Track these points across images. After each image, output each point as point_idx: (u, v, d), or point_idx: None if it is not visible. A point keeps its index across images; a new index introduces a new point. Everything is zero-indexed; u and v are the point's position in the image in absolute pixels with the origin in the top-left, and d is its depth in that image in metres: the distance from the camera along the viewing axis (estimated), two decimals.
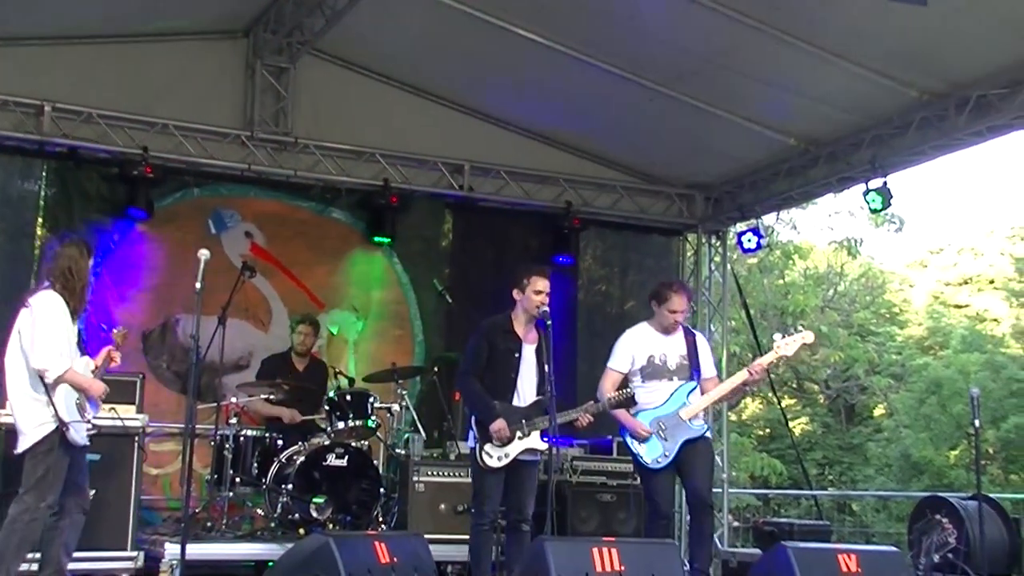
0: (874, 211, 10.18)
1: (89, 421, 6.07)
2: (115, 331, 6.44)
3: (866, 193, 9.82)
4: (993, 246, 26.10)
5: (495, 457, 6.67)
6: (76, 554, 6.27)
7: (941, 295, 26.37)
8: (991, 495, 9.17)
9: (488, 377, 6.81)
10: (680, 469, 6.98)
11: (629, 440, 6.95)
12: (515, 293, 6.86)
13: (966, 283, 26.28)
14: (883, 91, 9.07)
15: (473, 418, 6.78)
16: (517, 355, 6.80)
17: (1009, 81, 8.49)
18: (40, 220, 9.57)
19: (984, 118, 8.79)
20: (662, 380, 7.03)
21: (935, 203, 38.84)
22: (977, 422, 7.56)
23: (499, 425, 6.63)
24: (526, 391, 6.82)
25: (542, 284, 6.77)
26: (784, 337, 7.13)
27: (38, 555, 6.13)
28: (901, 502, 19.13)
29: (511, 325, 6.87)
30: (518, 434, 6.69)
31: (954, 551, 8.21)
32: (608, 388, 7.03)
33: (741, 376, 7.10)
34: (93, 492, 6.49)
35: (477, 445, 6.71)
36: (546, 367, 6.66)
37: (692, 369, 7.09)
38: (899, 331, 25.58)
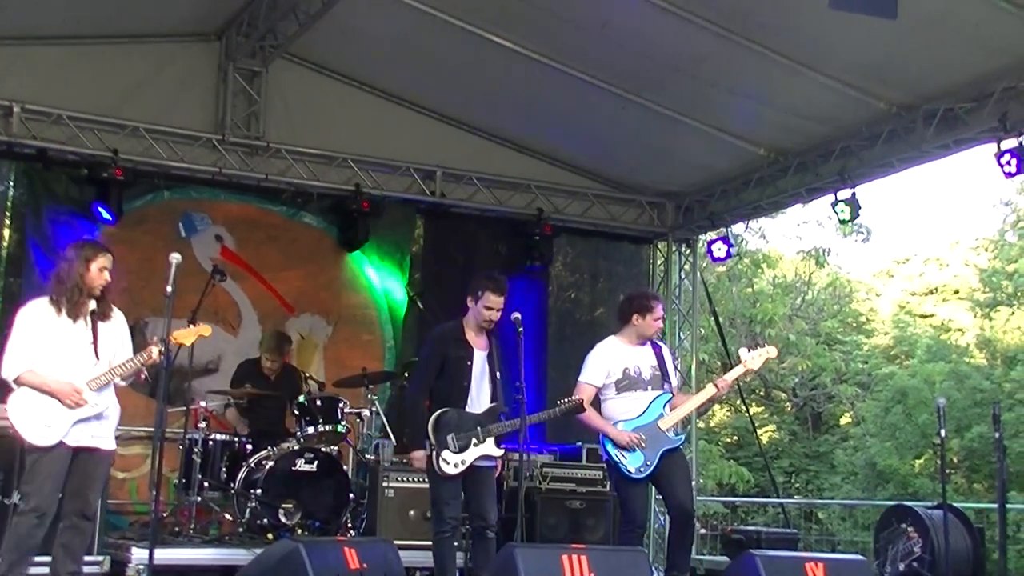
0: (843, 222, 10.27)
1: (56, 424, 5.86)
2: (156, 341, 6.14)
3: (835, 204, 9.92)
4: (958, 257, 26.34)
5: (451, 464, 6.66)
6: (39, 559, 6.13)
7: (907, 305, 26.59)
8: (955, 504, 9.26)
9: (441, 385, 6.80)
10: (660, 479, 7.02)
11: (612, 449, 6.96)
12: (469, 300, 6.88)
13: (931, 293, 26.50)
14: (852, 103, 9.17)
15: (429, 425, 6.77)
16: (469, 363, 6.80)
17: (976, 95, 8.60)
18: (8, 221, 9.52)
19: (951, 131, 8.91)
20: (637, 391, 7.06)
21: (902, 214, 39.25)
22: (943, 432, 7.63)
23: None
24: (480, 398, 6.83)
25: (494, 300, 6.76)
26: (749, 351, 7.26)
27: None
28: (867, 510, 19.23)
29: (462, 332, 6.88)
30: (473, 440, 6.70)
31: (919, 560, 8.28)
32: (585, 402, 7.05)
33: (709, 391, 7.21)
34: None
35: (433, 452, 6.70)
36: (497, 373, 6.77)
37: (663, 380, 7.15)
38: (866, 340, 25.77)
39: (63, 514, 5.97)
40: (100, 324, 6.10)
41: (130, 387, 9.30)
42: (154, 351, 6.06)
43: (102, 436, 6.05)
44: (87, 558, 7.06)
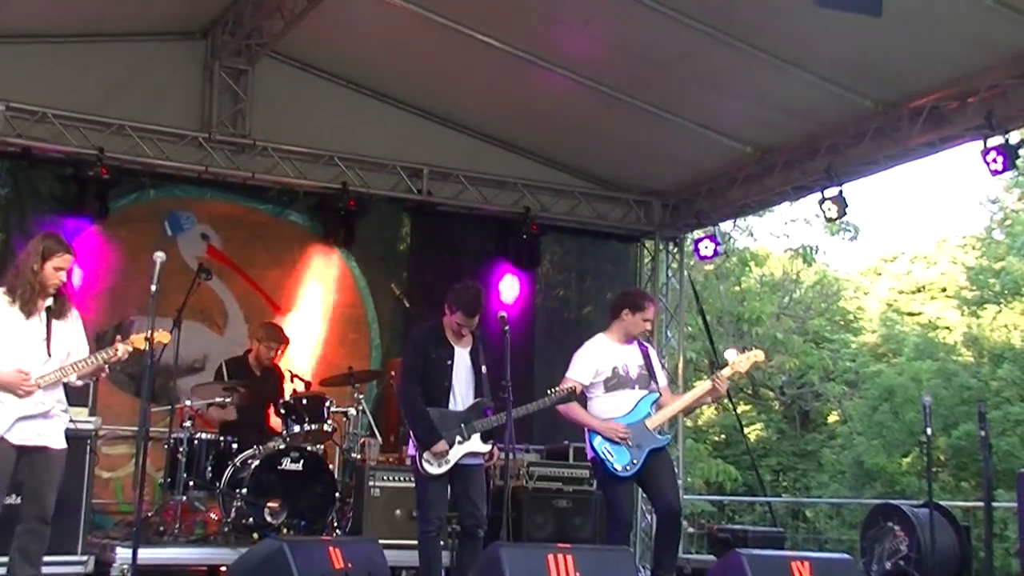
0: (829, 220, 10.28)
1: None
2: (134, 337, 5.99)
3: (822, 201, 9.92)
4: (945, 254, 26.42)
5: (436, 464, 6.66)
6: None
7: (894, 303, 26.65)
8: (942, 502, 9.26)
9: (422, 386, 6.79)
10: (646, 479, 6.99)
11: (599, 446, 6.93)
12: (446, 307, 6.88)
13: (919, 291, 26.57)
14: (838, 101, 9.19)
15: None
16: (449, 362, 6.81)
17: (961, 93, 8.63)
18: None
19: (937, 129, 8.93)
20: (625, 390, 7.03)
21: (889, 211, 39.37)
22: (929, 430, 7.63)
23: (441, 447, 6.64)
24: (462, 395, 6.83)
25: (464, 320, 6.78)
26: (737, 354, 7.26)
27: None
28: (854, 509, 19.31)
29: (442, 332, 6.89)
30: (458, 438, 6.70)
31: (906, 558, 8.29)
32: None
33: (706, 386, 7.17)
34: None
35: (417, 452, 6.69)
36: (483, 368, 6.79)
37: (651, 379, 7.13)
38: (853, 338, 25.83)
39: (23, 518, 5.80)
40: (55, 322, 5.91)
41: (115, 386, 9.46)
42: (120, 348, 5.89)
43: (50, 435, 5.84)
44: (70, 558, 7.09)
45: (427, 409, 6.70)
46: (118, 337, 6.04)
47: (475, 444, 6.74)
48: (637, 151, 11.10)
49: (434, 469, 6.63)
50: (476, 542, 6.71)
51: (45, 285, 5.85)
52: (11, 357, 5.77)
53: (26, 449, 5.77)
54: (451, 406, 6.78)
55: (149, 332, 6.01)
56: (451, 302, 6.83)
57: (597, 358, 7.11)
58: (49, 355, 5.87)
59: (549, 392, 6.87)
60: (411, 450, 6.81)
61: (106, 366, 6.02)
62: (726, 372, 7.21)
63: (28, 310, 5.84)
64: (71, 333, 6.02)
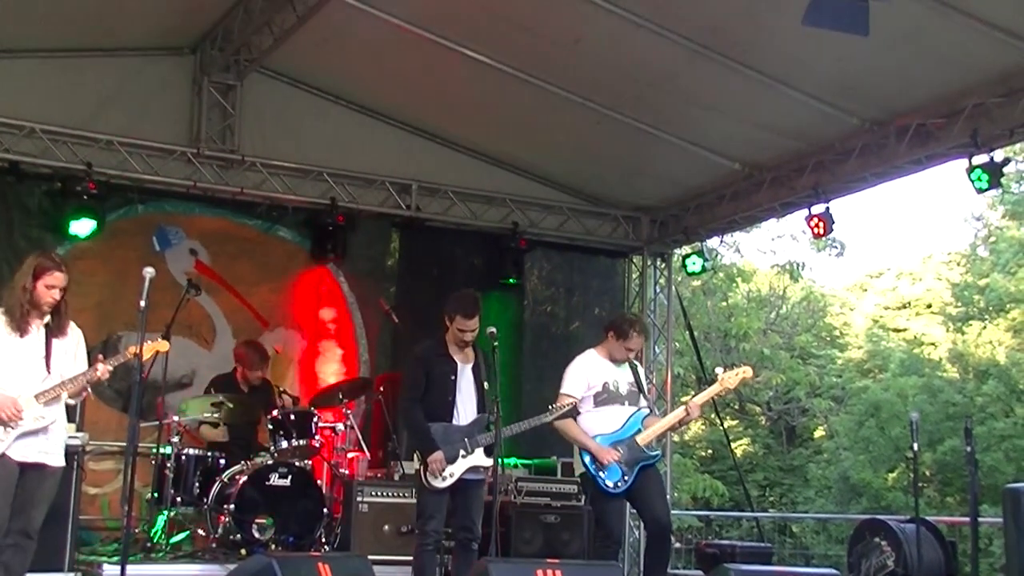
0: (817, 236, 10.32)
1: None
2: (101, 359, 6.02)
3: (809, 218, 9.96)
4: (930, 271, 26.54)
5: (440, 477, 6.67)
6: None
7: (880, 319, 26.75)
8: (928, 517, 9.30)
9: (427, 401, 6.83)
10: (636, 495, 7.01)
11: (590, 463, 6.95)
12: (445, 320, 6.92)
13: (905, 307, 26.68)
14: (825, 118, 9.24)
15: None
16: (453, 377, 6.85)
17: (947, 111, 8.69)
18: None
19: (923, 147, 8.99)
20: (614, 406, 7.08)
21: (875, 228, 39.54)
22: (915, 446, 7.67)
23: (436, 457, 6.66)
24: (466, 410, 6.87)
25: (465, 323, 6.82)
26: (726, 371, 7.30)
27: None
28: (840, 524, 19.35)
29: (445, 348, 6.93)
30: (461, 452, 6.73)
31: (892, 574, 8.31)
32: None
33: (679, 414, 7.19)
34: None
35: (422, 466, 6.71)
36: (485, 384, 6.81)
37: (640, 396, 7.16)
38: (839, 354, 25.91)
39: (8, 532, 5.76)
40: (54, 339, 5.94)
41: (102, 402, 9.42)
42: (100, 368, 5.90)
43: (50, 452, 5.87)
44: (58, 575, 7.03)
45: (429, 424, 6.74)
46: (99, 356, 6.03)
47: (478, 458, 6.78)
48: (626, 167, 11.14)
49: (438, 483, 6.67)
50: (471, 554, 6.76)
51: (38, 303, 5.86)
52: (10, 375, 5.79)
53: (26, 465, 5.79)
54: (455, 421, 6.81)
55: (139, 346, 6.01)
56: (449, 310, 6.88)
57: (589, 372, 7.15)
58: (49, 372, 5.89)
59: (550, 408, 6.91)
60: (415, 463, 6.84)
61: (88, 386, 6.04)
62: (703, 396, 7.28)
63: (22, 328, 5.85)
64: (69, 349, 6.03)
